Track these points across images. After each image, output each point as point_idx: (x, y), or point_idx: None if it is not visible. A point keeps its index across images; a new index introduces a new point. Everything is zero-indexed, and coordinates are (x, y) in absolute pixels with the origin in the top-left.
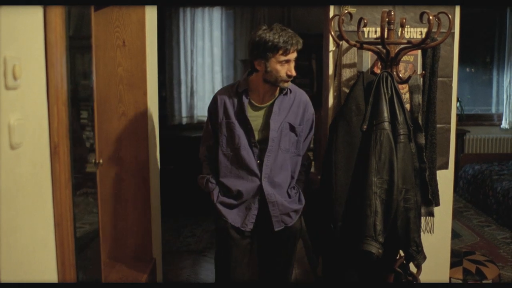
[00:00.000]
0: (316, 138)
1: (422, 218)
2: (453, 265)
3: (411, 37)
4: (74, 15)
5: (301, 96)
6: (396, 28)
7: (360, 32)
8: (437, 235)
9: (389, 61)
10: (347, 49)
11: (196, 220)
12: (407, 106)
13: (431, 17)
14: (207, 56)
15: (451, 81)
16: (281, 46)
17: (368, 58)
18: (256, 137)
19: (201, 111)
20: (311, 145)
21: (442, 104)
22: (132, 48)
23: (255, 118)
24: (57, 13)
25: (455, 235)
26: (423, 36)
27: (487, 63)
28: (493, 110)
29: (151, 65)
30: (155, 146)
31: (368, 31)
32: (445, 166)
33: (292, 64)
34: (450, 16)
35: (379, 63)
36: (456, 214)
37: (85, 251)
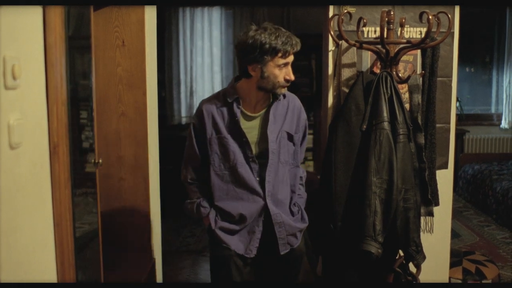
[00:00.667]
0: (316, 138)
1: (422, 218)
2: (452, 265)
3: (411, 36)
4: (74, 15)
5: (294, 101)
6: (396, 28)
7: (359, 32)
8: (436, 235)
9: (388, 61)
10: (347, 49)
11: (196, 220)
12: (407, 106)
13: (430, 17)
14: (207, 56)
15: (451, 81)
16: (280, 48)
17: (367, 58)
18: (254, 151)
19: None
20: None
21: (441, 104)
22: (131, 48)
23: (250, 129)
24: (57, 13)
25: (454, 235)
26: (423, 36)
27: (486, 63)
28: (493, 110)
29: (150, 65)
30: (155, 146)
31: (368, 31)
32: (444, 166)
33: (290, 68)
34: (449, 16)
35: (378, 63)
36: (456, 214)
37: (84, 251)
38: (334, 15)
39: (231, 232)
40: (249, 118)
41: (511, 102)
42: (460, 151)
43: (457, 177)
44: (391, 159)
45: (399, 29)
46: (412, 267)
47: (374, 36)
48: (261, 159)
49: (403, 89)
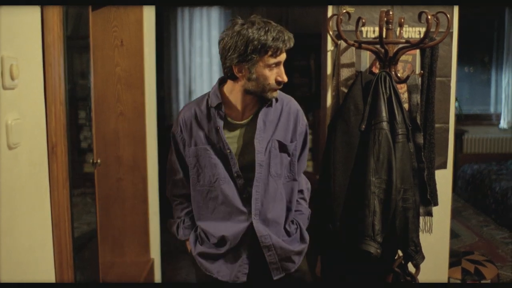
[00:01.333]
0: (315, 138)
1: (421, 218)
2: (451, 265)
3: (410, 36)
4: (72, 15)
5: (290, 104)
6: (395, 28)
7: (358, 32)
8: (435, 235)
9: (387, 60)
10: (346, 49)
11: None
12: (406, 106)
13: (429, 17)
14: (205, 56)
15: (450, 80)
16: (271, 45)
17: (366, 58)
18: (238, 164)
19: None
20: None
21: (440, 104)
22: (130, 48)
23: (234, 139)
24: (55, 13)
25: (453, 235)
26: (422, 35)
27: (485, 63)
28: (492, 110)
29: (149, 65)
30: (153, 146)
31: (367, 31)
32: (443, 166)
33: (282, 67)
34: (448, 16)
35: (377, 63)
36: (455, 214)
37: (83, 251)
38: (333, 15)
39: (213, 257)
40: (233, 127)
41: (510, 102)
42: (459, 151)
43: (456, 177)
44: (390, 159)
45: (398, 29)
46: (411, 267)
47: (373, 36)
48: (248, 173)
49: (402, 89)
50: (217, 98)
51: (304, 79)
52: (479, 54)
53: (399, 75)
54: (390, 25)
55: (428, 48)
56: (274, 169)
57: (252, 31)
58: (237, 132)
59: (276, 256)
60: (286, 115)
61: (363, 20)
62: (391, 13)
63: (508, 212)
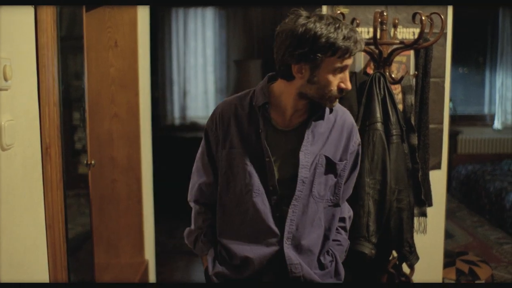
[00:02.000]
0: None
1: (415, 219)
2: (446, 265)
3: (404, 37)
4: (66, 16)
5: (345, 117)
6: (389, 29)
7: None
8: (430, 236)
9: (381, 61)
10: None
11: (190, 222)
12: (400, 106)
13: (423, 18)
14: (200, 57)
15: (444, 81)
16: (340, 45)
17: (360, 59)
18: (276, 175)
19: (194, 112)
20: None
21: (434, 105)
22: (124, 49)
23: (275, 147)
24: (49, 13)
25: (448, 235)
26: (416, 36)
27: (479, 63)
28: (486, 111)
29: (143, 66)
30: (148, 147)
31: (361, 32)
32: (437, 166)
33: (347, 73)
34: (442, 17)
35: (371, 64)
36: (449, 214)
37: (77, 252)
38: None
39: (231, 280)
40: (278, 133)
41: (504, 102)
42: (454, 151)
43: (451, 177)
44: (384, 160)
45: (392, 30)
46: (405, 268)
47: (367, 36)
48: (285, 189)
49: (396, 89)
50: (264, 96)
51: None
52: (473, 55)
53: (393, 76)
54: (384, 26)
55: (422, 49)
56: (317, 189)
57: (320, 26)
58: (279, 140)
59: None
60: (339, 129)
61: (357, 21)
62: (385, 14)
63: (502, 212)
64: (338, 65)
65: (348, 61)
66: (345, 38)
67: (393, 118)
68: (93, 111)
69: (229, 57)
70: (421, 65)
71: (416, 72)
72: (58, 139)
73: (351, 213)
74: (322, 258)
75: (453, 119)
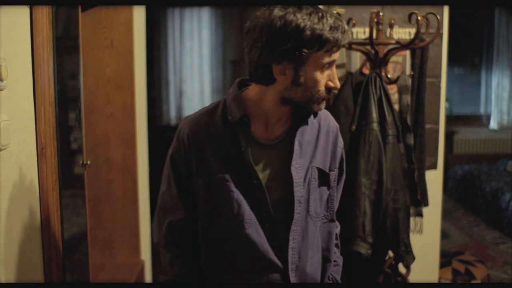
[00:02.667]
0: None
1: (411, 219)
2: (442, 265)
3: (400, 37)
4: (62, 16)
5: (329, 120)
6: (385, 29)
7: None
8: (426, 236)
9: (377, 61)
10: None
11: None
12: (396, 106)
13: (419, 18)
14: (196, 57)
15: (440, 81)
16: (328, 37)
17: (356, 59)
18: (269, 199)
19: (190, 112)
20: None
21: (430, 105)
22: (120, 49)
23: (263, 165)
24: (44, 13)
25: (444, 235)
26: (412, 36)
27: (475, 63)
28: (482, 111)
29: (139, 66)
30: (144, 147)
31: (357, 32)
32: (434, 166)
33: (335, 69)
34: (438, 17)
35: (368, 64)
36: (445, 214)
37: (73, 253)
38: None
39: None
40: (262, 148)
41: (500, 103)
42: (450, 151)
43: (447, 177)
44: (380, 160)
45: (388, 30)
46: (401, 268)
47: (363, 36)
48: (279, 213)
49: (392, 89)
50: (240, 108)
51: None
52: (469, 55)
53: (389, 76)
54: (380, 26)
55: (418, 49)
56: (313, 207)
57: (302, 16)
58: (264, 156)
59: None
60: (325, 135)
61: (354, 21)
62: (381, 14)
63: (498, 212)
64: (326, 60)
65: (336, 55)
66: (332, 28)
67: (389, 118)
68: (89, 111)
69: (225, 57)
70: (417, 65)
71: (412, 72)
72: (53, 139)
73: (339, 227)
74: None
75: (449, 119)
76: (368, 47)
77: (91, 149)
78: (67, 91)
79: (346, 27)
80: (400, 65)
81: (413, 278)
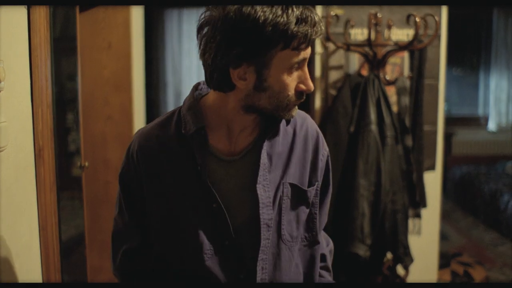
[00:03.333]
0: None
1: (410, 220)
2: (441, 267)
3: (398, 39)
4: (59, 17)
5: (307, 125)
6: (383, 30)
7: (347, 34)
8: (425, 237)
9: (376, 63)
10: (334, 51)
11: None
12: (394, 108)
13: (417, 19)
14: (194, 58)
15: (438, 83)
16: (295, 31)
17: (355, 60)
18: (232, 225)
19: None
20: None
21: (429, 106)
22: (118, 50)
23: (224, 185)
24: (42, 14)
25: (442, 236)
26: (410, 38)
27: (474, 65)
28: (480, 112)
29: (137, 67)
30: None
31: (355, 33)
32: (432, 168)
33: (307, 69)
34: (436, 18)
35: (366, 65)
36: (444, 216)
37: (70, 255)
38: (321, 17)
39: None
40: (222, 165)
41: (498, 104)
42: (448, 153)
43: (445, 179)
44: (378, 162)
45: (386, 31)
46: (400, 270)
47: (361, 38)
48: (245, 238)
49: (391, 91)
50: (197, 119)
51: None
52: (467, 57)
53: (387, 77)
54: (378, 28)
55: (416, 51)
56: (287, 231)
57: (262, 8)
58: (226, 174)
59: None
60: (302, 143)
61: (352, 23)
62: (379, 15)
63: (496, 214)
64: (295, 59)
65: (307, 53)
66: (299, 21)
67: (387, 120)
68: (87, 112)
69: None
70: (416, 66)
71: (410, 74)
72: (51, 141)
73: (331, 244)
74: None
75: (448, 120)
76: (367, 48)
77: (89, 150)
78: (65, 92)
79: (316, 18)
80: (398, 66)
81: (411, 279)
